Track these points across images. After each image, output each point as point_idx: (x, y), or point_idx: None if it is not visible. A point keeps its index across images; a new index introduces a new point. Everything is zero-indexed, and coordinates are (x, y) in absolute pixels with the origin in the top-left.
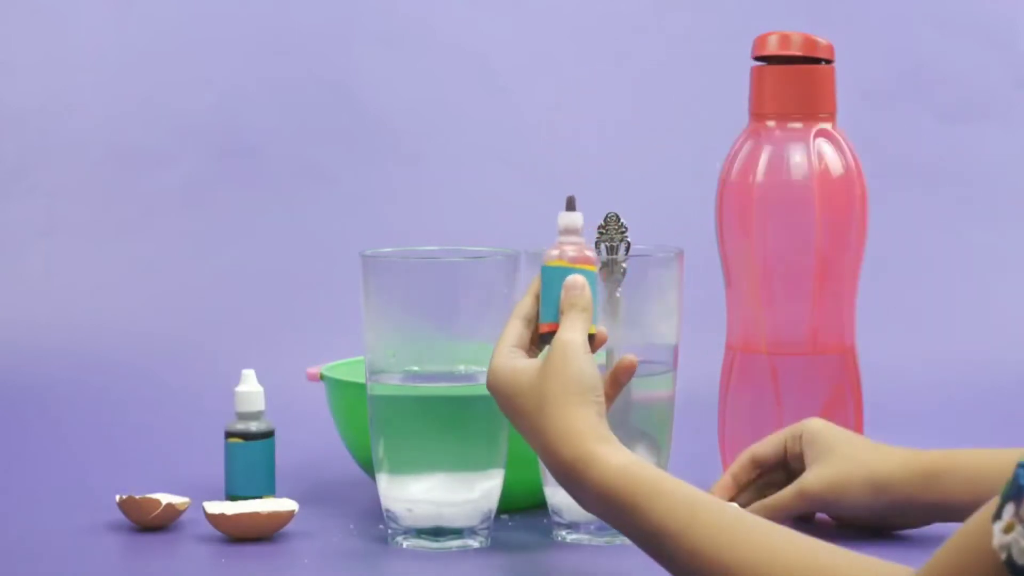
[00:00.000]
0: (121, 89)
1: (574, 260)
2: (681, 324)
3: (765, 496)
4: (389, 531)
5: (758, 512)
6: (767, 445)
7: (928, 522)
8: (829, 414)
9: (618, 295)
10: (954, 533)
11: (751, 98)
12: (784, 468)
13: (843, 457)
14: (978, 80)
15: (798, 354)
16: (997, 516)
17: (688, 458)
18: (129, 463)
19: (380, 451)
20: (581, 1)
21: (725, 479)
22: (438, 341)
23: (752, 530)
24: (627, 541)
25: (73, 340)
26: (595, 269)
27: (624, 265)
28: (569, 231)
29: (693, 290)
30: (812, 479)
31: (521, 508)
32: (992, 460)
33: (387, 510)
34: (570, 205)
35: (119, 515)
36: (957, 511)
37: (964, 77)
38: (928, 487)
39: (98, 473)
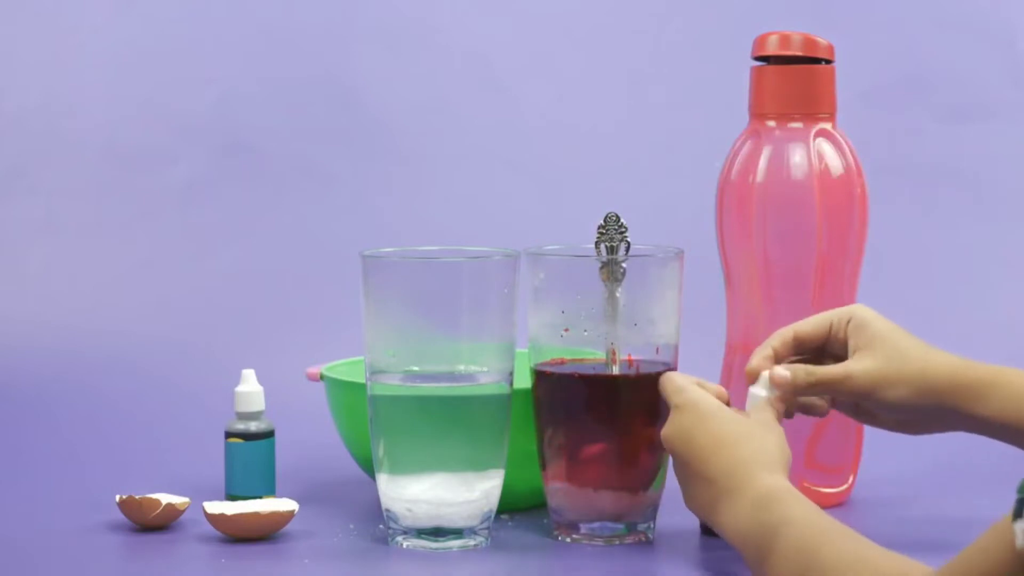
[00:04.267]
0: (121, 89)
1: None
2: (681, 324)
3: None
4: (389, 531)
5: (801, 376)
6: (812, 325)
7: (957, 430)
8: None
9: (618, 295)
10: (979, 536)
11: (751, 98)
12: (823, 351)
13: (894, 350)
14: (978, 80)
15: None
16: (1017, 515)
17: None
18: (129, 463)
19: (380, 451)
20: (581, 1)
21: (764, 350)
22: (438, 341)
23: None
24: (626, 542)
25: (73, 340)
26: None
27: (624, 265)
28: None
29: (693, 290)
30: (860, 366)
31: (521, 508)
32: None
33: (387, 510)
34: None
35: (119, 515)
36: (1000, 429)
37: (964, 77)
38: (977, 400)
39: (98, 473)
